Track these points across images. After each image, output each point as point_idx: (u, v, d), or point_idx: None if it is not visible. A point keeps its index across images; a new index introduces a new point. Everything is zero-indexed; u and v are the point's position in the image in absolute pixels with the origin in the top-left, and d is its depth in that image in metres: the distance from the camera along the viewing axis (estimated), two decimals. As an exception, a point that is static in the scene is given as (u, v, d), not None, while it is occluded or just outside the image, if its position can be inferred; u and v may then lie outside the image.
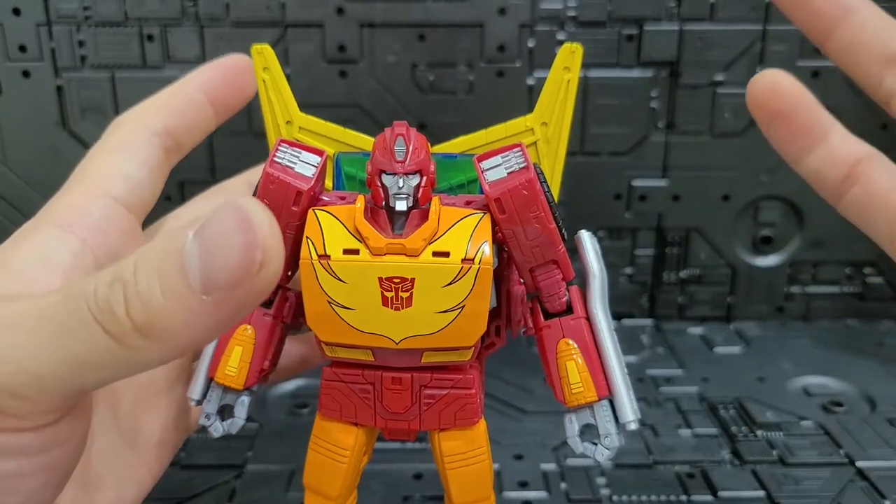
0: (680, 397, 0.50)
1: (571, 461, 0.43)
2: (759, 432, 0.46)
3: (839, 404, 0.48)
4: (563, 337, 0.30)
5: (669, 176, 0.57)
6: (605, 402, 0.30)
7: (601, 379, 0.29)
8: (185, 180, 0.56)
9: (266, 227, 0.22)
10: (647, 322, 0.60)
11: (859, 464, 0.42)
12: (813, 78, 0.55)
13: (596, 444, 0.30)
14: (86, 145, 0.55)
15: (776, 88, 0.30)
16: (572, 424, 0.30)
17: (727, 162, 0.57)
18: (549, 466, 0.43)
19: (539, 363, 0.31)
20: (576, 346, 0.29)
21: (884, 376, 0.52)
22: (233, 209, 0.22)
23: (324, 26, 0.54)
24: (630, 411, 0.29)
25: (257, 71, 0.33)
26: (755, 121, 0.31)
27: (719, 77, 0.55)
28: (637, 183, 0.57)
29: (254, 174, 0.39)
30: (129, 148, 0.33)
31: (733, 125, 0.56)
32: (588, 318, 0.30)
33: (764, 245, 0.59)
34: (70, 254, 0.30)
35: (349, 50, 0.54)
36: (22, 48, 0.54)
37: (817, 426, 0.46)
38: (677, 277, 0.60)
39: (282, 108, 0.34)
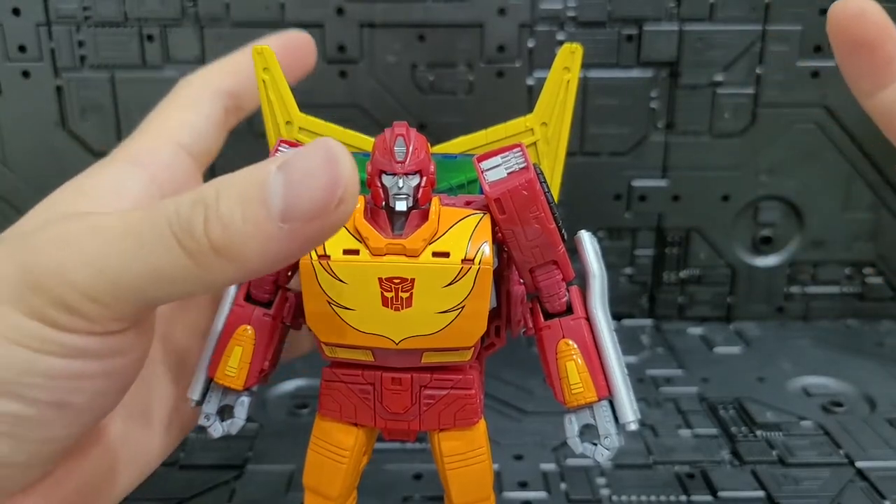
0: (680, 397, 0.50)
1: (571, 461, 0.43)
2: (758, 432, 0.45)
3: (839, 404, 0.48)
4: (563, 337, 0.30)
5: (669, 176, 0.57)
6: (605, 403, 0.30)
7: (601, 379, 0.29)
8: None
9: (349, 168, 0.24)
10: (647, 322, 0.60)
11: (859, 464, 0.42)
12: (813, 78, 0.55)
13: (596, 444, 0.30)
14: (86, 145, 0.56)
15: (863, 15, 0.30)
16: (572, 425, 0.30)
17: (727, 162, 0.57)
18: (549, 467, 0.43)
19: (539, 363, 0.31)
20: (575, 346, 0.29)
21: (884, 376, 0.52)
22: (322, 148, 0.24)
23: (324, 26, 0.54)
24: (630, 412, 0.29)
25: (257, 71, 0.33)
26: (832, 48, 0.30)
27: (719, 77, 0.55)
28: (637, 183, 0.57)
29: None
30: (196, 103, 0.38)
31: (733, 125, 0.56)
32: (588, 319, 0.30)
33: (764, 245, 0.59)
34: (140, 186, 0.34)
35: (349, 50, 0.54)
36: (22, 48, 0.54)
37: (817, 426, 0.46)
38: (677, 277, 0.60)
39: (282, 109, 0.34)
